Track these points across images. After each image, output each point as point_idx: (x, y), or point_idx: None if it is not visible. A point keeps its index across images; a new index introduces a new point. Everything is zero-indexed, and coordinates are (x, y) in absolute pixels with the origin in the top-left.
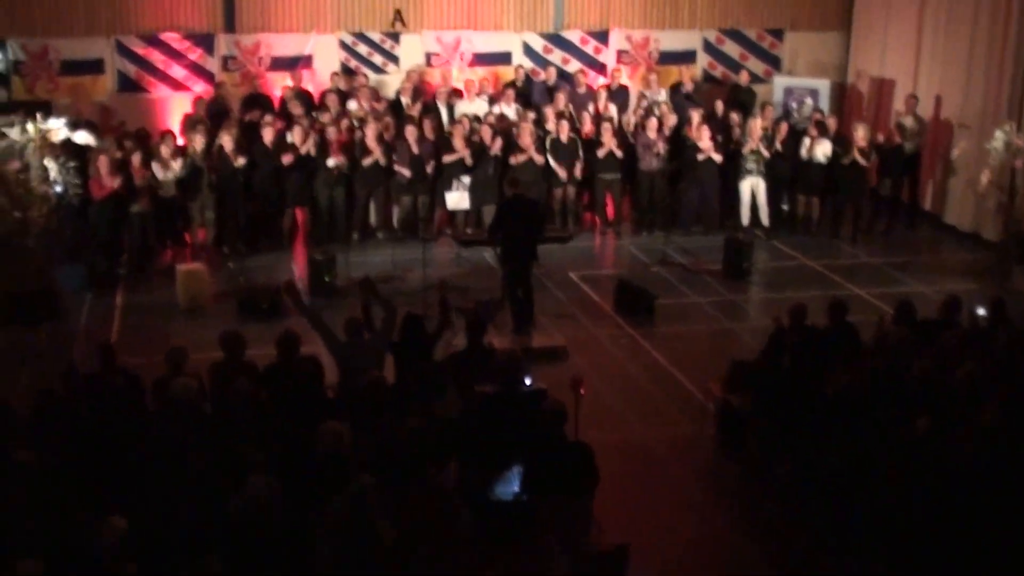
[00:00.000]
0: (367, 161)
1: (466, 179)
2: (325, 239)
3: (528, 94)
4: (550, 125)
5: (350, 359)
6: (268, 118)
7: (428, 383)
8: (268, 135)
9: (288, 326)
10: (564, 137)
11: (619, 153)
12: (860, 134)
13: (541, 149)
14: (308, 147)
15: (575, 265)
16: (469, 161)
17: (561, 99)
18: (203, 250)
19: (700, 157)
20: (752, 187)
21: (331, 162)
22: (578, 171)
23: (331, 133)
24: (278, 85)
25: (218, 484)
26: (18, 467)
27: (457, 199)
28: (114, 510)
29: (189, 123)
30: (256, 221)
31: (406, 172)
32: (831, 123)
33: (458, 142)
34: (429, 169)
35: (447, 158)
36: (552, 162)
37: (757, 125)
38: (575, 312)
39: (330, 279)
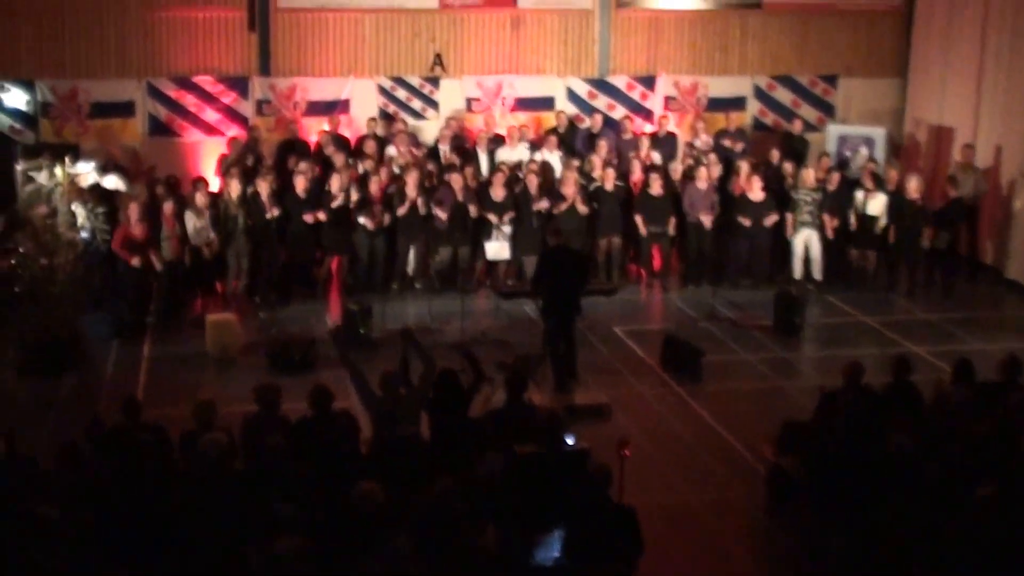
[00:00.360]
0: (402, 211)
1: (507, 228)
2: (361, 289)
3: (571, 141)
4: (596, 173)
5: (385, 414)
6: (303, 166)
7: (465, 441)
8: (300, 184)
9: (320, 379)
10: (609, 186)
11: (671, 230)
12: (913, 186)
13: (585, 198)
14: (339, 201)
15: (620, 319)
16: (495, 220)
17: (604, 146)
18: (234, 299)
19: (744, 221)
20: (806, 240)
21: (362, 220)
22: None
23: (373, 185)
24: (314, 130)
25: (248, 544)
26: (40, 522)
27: (497, 249)
28: (140, 570)
29: (225, 165)
30: (289, 270)
31: (443, 215)
32: (892, 175)
33: (497, 191)
34: (472, 216)
35: (487, 215)
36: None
37: (810, 175)
38: (619, 368)
39: (365, 330)
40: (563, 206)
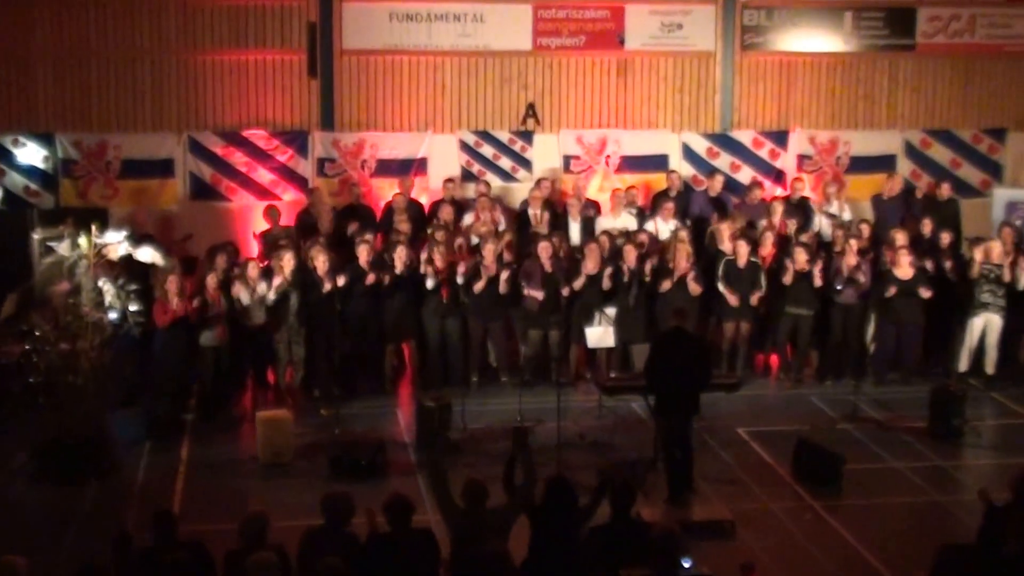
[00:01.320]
0: (479, 286)
1: (610, 310)
2: (438, 382)
3: (684, 206)
4: (725, 245)
5: (466, 530)
6: (368, 236)
7: (570, 565)
8: (364, 255)
9: (395, 489)
10: (742, 261)
11: (819, 280)
12: None
13: (701, 275)
14: (401, 267)
15: (744, 419)
16: (577, 286)
17: (738, 214)
18: (289, 394)
19: (890, 291)
20: (985, 325)
21: (431, 282)
22: (755, 299)
23: (436, 256)
24: (386, 194)
25: None
26: None
27: (600, 335)
28: None
29: (268, 240)
30: (353, 359)
31: (538, 294)
32: None
33: (591, 264)
34: (564, 294)
35: (578, 283)
36: (722, 287)
37: (996, 248)
38: (744, 478)
39: (442, 431)
40: (667, 283)
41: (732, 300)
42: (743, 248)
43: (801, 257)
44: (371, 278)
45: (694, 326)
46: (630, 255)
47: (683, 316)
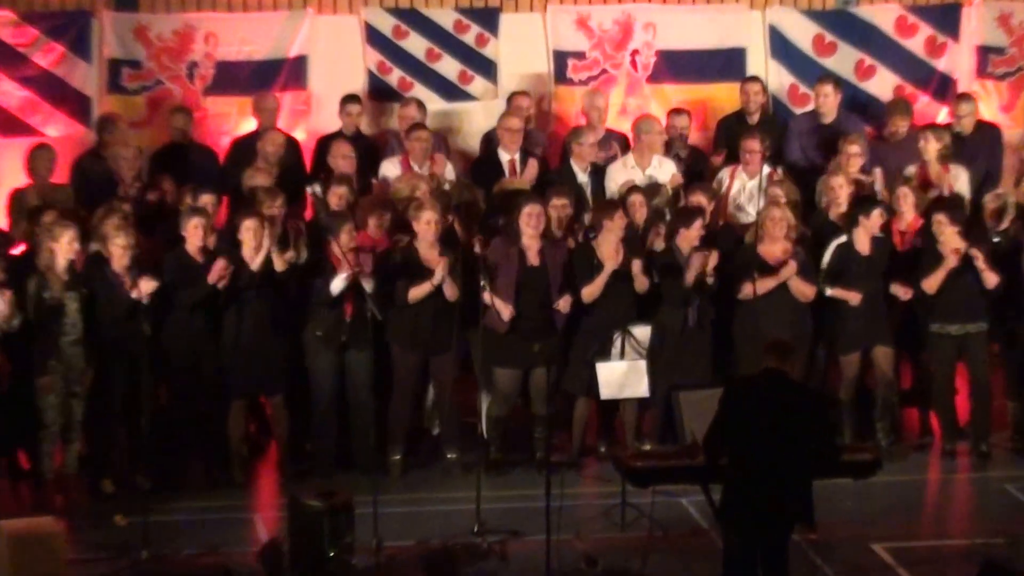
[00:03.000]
0: (417, 292)
1: (641, 332)
2: (328, 464)
3: (777, 143)
4: (837, 210)
5: None
6: (205, 198)
7: None
8: (195, 237)
9: None
10: (864, 244)
11: (992, 281)
12: None
13: (808, 267)
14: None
15: (885, 526)
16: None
17: (856, 150)
18: (61, 486)
19: None
20: None
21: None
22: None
23: (341, 239)
24: (233, 125)
25: None
26: None
27: (621, 377)
28: None
29: (18, 207)
30: (176, 423)
31: (505, 311)
32: None
33: (607, 250)
34: (561, 307)
35: (589, 291)
36: (832, 291)
37: None
38: None
39: (338, 552)
40: (760, 286)
41: (853, 299)
42: (873, 221)
43: (953, 235)
44: (215, 273)
45: (802, 370)
46: (686, 236)
47: (784, 352)
